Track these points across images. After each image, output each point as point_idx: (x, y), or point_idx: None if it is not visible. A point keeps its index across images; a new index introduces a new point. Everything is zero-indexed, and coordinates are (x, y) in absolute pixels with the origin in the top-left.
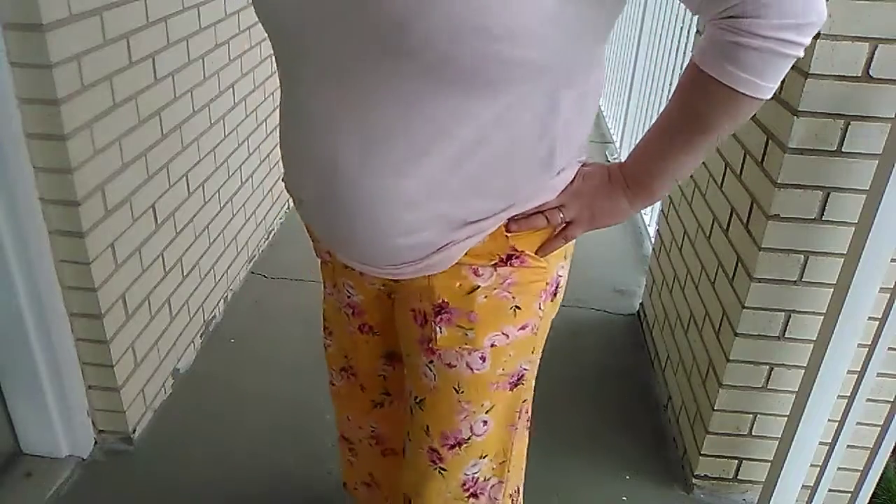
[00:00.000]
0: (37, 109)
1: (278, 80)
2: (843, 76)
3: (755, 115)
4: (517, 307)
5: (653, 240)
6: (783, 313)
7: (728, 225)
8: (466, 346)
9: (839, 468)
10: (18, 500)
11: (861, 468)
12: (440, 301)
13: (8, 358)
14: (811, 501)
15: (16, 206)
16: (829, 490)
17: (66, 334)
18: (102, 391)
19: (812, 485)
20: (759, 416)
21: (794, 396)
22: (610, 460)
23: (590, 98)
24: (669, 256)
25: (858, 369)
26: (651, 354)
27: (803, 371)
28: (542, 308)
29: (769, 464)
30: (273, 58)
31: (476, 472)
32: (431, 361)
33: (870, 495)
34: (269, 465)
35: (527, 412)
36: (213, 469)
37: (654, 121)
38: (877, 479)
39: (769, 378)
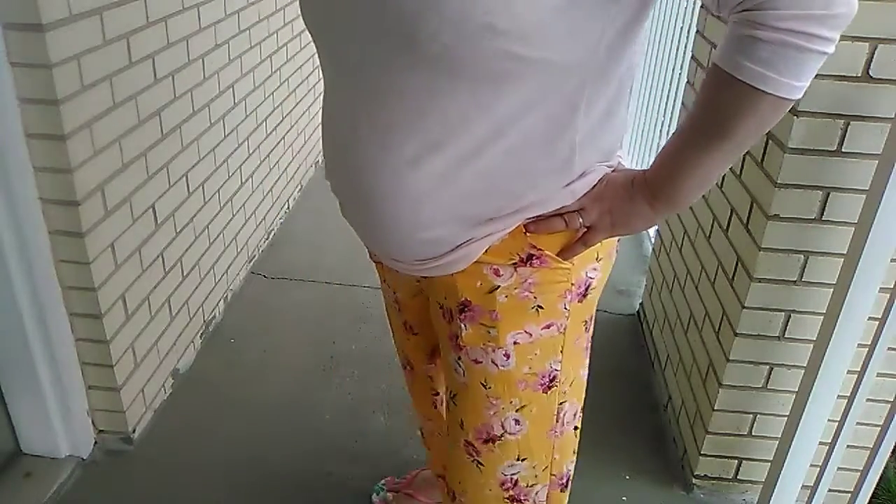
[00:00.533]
0: (37, 109)
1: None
2: (843, 76)
3: None
4: (539, 307)
5: (653, 240)
6: (783, 313)
7: (728, 225)
8: (490, 344)
9: (839, 468)
10: (18, 500)
11: (861, 468)
12: (463, 299)
13: (8, 358)
14: (811, 501)
15: (16, 206)
16: (829, 490)
17: (66, 334)
18: (102, 391)
19: (812, 485)
20: (758, 416)
21: (794, 396)
22: (609, 460)
23: (617, 103)
24: (669, 256)
25: (858, 369)
26: (651, 354)
27: (803, 371)
28: (568, 308)
29: (769, 464)
30: (272, 58)
31: (515, 475)
32: (460, 357)
33: (870, 495)
34: (269, 465)
35: (576, 415)
36: (213, 469)
37: (656, 123)
38: (877, 479)
39: (769, 378)
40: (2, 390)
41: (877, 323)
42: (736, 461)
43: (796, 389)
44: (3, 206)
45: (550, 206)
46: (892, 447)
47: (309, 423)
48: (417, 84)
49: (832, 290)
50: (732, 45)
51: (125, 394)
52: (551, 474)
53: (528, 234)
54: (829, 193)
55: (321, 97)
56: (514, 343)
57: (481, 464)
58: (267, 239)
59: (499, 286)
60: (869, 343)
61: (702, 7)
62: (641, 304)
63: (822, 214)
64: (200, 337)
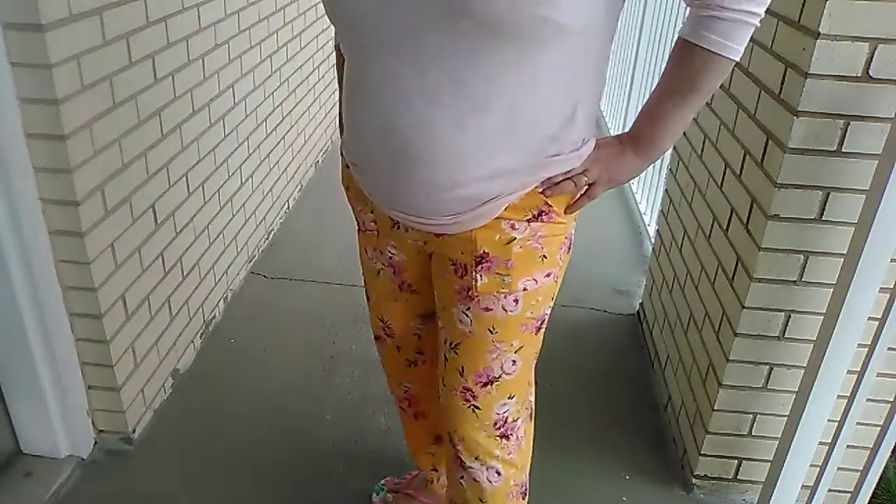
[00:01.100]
0: (37, 109)
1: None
2: (843, 76)
3: (755, 114)
4: (544, 256)
5: (653, 240)
6: (783, 313)
7: (728, 225)
8: (503, 290)
9: (839, 468)
10: (18, 500)
11: (861, 468)
12: (481, 252)
13: (8, 358)
14: (811, 501)
15: (16, 206)
16: (829, 490)
17: (66, 334)
18: (102, 391)
19: (812, 485)
20: (758, 416)
21: (793, 396)
22: (610, 460)
23: (602, 69)
24: (669, 256)
25: (858, 369)
26: (651, 354)
27: (803, 371)
28: (562, 259)
29: (769, 464)
30: (272, 58)
31: (505, 412)
32: (468, 308)
33: (870, 495)
34: (269, 465)
35: (537, 354)
36: (213, 469)
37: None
38: (877, 479)
39: (769, 378)
40: (2, 390)
41: (877, 323)
42: (736, 461)
43: (796, 389)
44: (3, 206)
45: (563, 167)
46: (892, 447)
47: (309, 423)
48: (464, 50)
49: (832, 290)
50: (697, 23)
51: (125, 394)
52: (526, 407)
53: (543, 193)
54: (829, 193)
55: (321, 97)
56: (524, 289)
57: (478, 407)
58: (267, 239)
59: (515, 238)
60: (869, 343)
61: None
62: (641, 304)
63: (822, 214)
64: (200, 337)
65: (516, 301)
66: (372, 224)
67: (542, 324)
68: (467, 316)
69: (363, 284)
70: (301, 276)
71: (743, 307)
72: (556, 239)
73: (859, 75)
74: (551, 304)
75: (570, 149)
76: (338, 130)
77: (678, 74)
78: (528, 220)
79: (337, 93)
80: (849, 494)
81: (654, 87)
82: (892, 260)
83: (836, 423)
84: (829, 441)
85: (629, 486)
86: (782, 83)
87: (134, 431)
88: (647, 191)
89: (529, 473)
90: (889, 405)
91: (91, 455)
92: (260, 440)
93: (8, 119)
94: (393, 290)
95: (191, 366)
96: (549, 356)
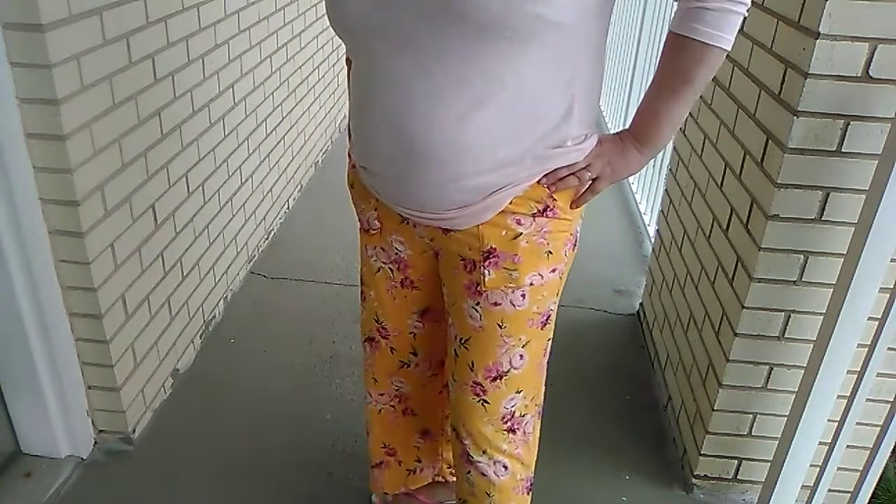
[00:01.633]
0: (37, 109)
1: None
2: (843, 76)
3: (755, 114)
4: (550, 252)
5: (653, 240)
6: (783, 313)
7: (728, 225)
8: (510, 285)
9: (839, 468)
10: (18, 500)
11: (861, 468)
12: (489, 247)
13: (8, 358)
14: (811, 501)
15: (16, 206)
16: (829, 490)
17: (66, 334)
18: (102, 391)
19: (812, 485)
20: (758, 416)
21: (793, 396)
22: (609, 460)
23: (598, 64)
24: (669, 256)
25: (858, 369)
26: (651, 354)
27: (803, 371)
28: (567, 255)
29: (769, 464)
30: (272, 58)
31: (513, 407)
32: (478, 303)
33: (869, 495)
34: (269, 465)
35: (548, 352)
36: (213, 469)
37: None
38: (876, 479)
39: (769, 378)
40: (2, 390)
41: (877, 323)
42: (736, 461)
43: (796, 389)
44: (3, 206)
45: (566, 160)
46: (891, 447)
47: (309, 423)
48: (464, 49)
49: (832, 290)
50: (686, 16)
51: (125, 394)
52: (536, 404)
53: (547, 188)
54: (828, 193)
55: (321, 97)
56: (530, 284)
57: (487, 402)
58: (267, 239)
59: (521, 233)
60: (869, 343)
61: None
62: (641, 304)
63: (821, 214)
64: (200, 337)
65: (523, 296)
66: (375, 223)
67: (547, 319)
68: (477, 311)
69: (360, 284)
70: (301, 276)
71: (743, 307)
72: (562, 235)
73: (859, 75)
74: (556, 300)
75: (571, 142)
76: (338, 130)
77: (671, 68)
78: (534, 216)
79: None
80: (849, 494)
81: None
82: (892, 260)
83: (836, 423)
84: (829, 441)
85: (629, 486)
86: (782, 83)
87: (134, 431)
88: (647, 191)
89: None
90: (889, 405)
91: (91, 455)
92: (260, 440)
93: (8, 119)
94: (392, 287)
95: (191, 366)
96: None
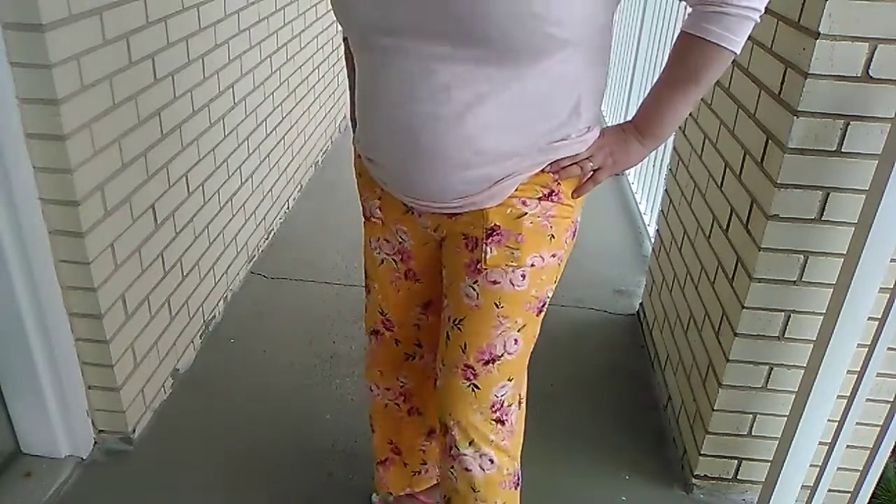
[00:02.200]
0: (37, 109)
1: (353, 57)
2: (843, 76)
3: (755, 114)
4: (552, 235)
5: (653, 240)
6: (783, 313)
7: (728, 225)
8: (512, 264)
9: (839, 468)
10: (18, 500)
11: (861, 468)
12: (492, 225)
13: (8, 358)
14: (811, 501)
15: (16, 206)
16: (829, 490)
17: (66, 334)
18: (102, 391)
19: (812, 485)
20: (758, 416)
21: (793, 396)
22: (609, 460)
23: (603, 67)
24: (669, 256)
25: (858, 369)
26: (651, 354)
27: (803, 371)
28: (567, 243)
29: (769, 464)
30: (272, 58)
31: (503, 395)
32: (476, 281)
33: (869, 495)
34: (269, 465)
35: (534, 343)
36: (213, 469)
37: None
38: (876, 479)
39: (769, 378)
40: (2, 390)
41: (877, 323)
42: (736, 461)
43: (796, 389)
44: (3, 206)
45: (570, 151)
46: (891, 447)
47: (309, 423)
48: (470, 57)
49: (832, 290)
50: (702, 18)
51: (125, 394)
52: (521, 394)
53: (551, 174)
54: (828, 193)
55: (321, 97)
56: (531, 265)
57: (477, 387)
58: (267, 239)
59: (526, 213)
60: (869, 343)
61: None
62: (641, 304)
63: (821, 214)
64: (200, 337)
65: (523, 276)
66: (378, 212)
67: (543, 306)
68: (474, 289)
69: (364, 278)
70: (301, 276)
71: (743, 307)
72: (565, 221)
73: (859, 75)
74: (553, 287)
75: (575, 134)
76: (338, 130)
77: (681, 66)
78: (539, 199)
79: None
80: (849, 494)
81: (655, 80)
82: (892, 260)
83: (836, 423)
84: (829, 441)
85: (629, 486)
86: (782, 83)
87: (134, 431)
88: (647, 191)
89: (529, 472)
90: (889, 405)
91: (91, 455)
92: (260, 440)
93: (8, 119)
94: (396, 279)
95: (191, 366)
96: (549, 356)
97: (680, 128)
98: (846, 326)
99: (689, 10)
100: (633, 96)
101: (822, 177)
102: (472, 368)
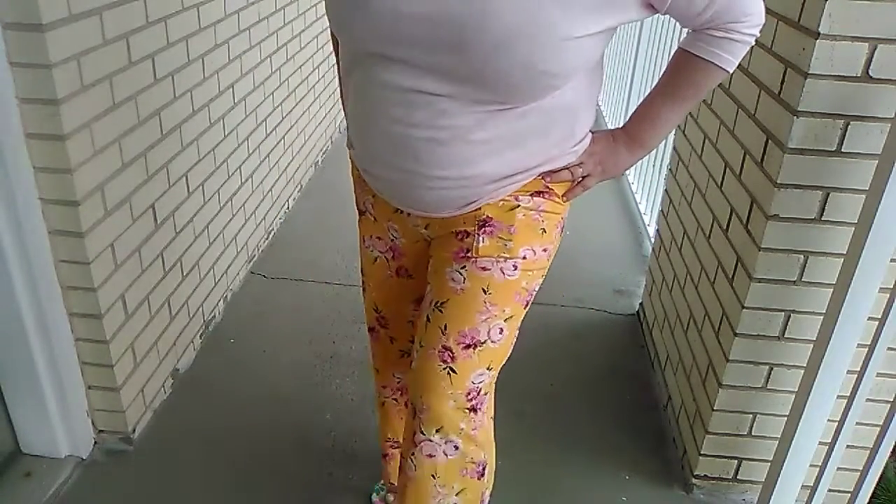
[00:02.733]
0: (37, 109)
1: (340, 68)
2: (843, 76)
3: (755, 114)
4: (544, 230)
5: (653, 240)
6: (783, 313)
7: (728, 225)
8: (504, 255)
9: (839, 468)
10: (18, 500)
11: (861, 468)
12: (485, 216)
13: (8, 358)
14: (811, 501)
15: (16, 206)
16: (829, 490)
17: (66, 334)
18: (102, 391)
19: (812, 485)
20: (758, 416)
21: (793, 396)
22: (609, 460)
23: (595, 92)
24: (669, 256)
25: (858, 369)
26: (651, 354)
27: (803, 371)
28: (556, 238)
29: (769, 464)
30: (272, 58)
31: (480, 383)
32: (464, 267)
33: (869, 495)
34: (269, 465)
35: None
36: (213, 469)
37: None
38: (876, 479)
39: (769, 378)
40: (2, 390)
41: (877, 323)
42: (736, 461)
43: (796, 389)
44: (3, 206)
45: (562, 162)
46: (891, 447)
47: (309, 422)
48: (473, 94)
49: (832, 290)
50: (706, 41)
51: (125, 394)
52: (493, 384)
53: (543, 179)
54: (828, 193)
55: (321, 97)
56: (524, 257)
57: (454, 370)
58: (267, 239)
59: (519, 205)
60: (869, 343)
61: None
62: (641, 304)
63: (821, 214)
64: (200, 337)
65: (515, 267)
66: (371, 208)
67: (530, 298)
68: (461, 274)
69: (360, 276)
70: (301, 276)
71: (743, 307)
72: (555, 217)
73: (859, 75)
74: (541, 281)
75: (569, 149)
76: (338, 130)
77: (679, 83)
78: (531, 195)
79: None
80: (849, 494)
81: (650, 90)
82: (892, 260)
83: (836, 423)
84: (829, 441)
85: (629, 486)
86: (782, 83)
87: (134, 431)
88: (647, 191)
89: (529, 472)
90: (889, 405)
91: (91, 455)
92: (260, 440)
93: (8, 119)
94: (389, 277)
95: (191, 366)
96: (549, 356)
97: (680, 128)
98: (846, 326)
99: (691, 29)
100: (633, 96)
101: (822, 177)
102: (451, 351)
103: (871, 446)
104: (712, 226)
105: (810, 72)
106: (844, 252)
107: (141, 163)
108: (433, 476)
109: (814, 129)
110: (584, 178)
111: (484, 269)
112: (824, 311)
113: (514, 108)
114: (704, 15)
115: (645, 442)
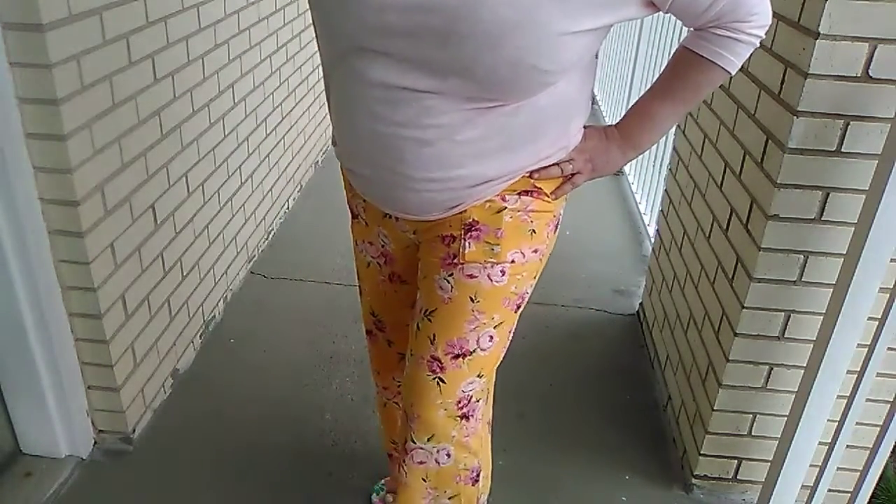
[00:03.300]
0: (37, 109)
1: (323, 71)
2: (843, 76)
3: (755, 114)
4: (533, 230)
5: (653, 240)
6: (783, 313)
7: (728, 225)
8: (491, 260)
9: (839, 468)
10: (18, 500)
11: (861, 468)
12: (471, 220)
13: (8, 358)
14: (811, 501)
15: (16, 206)
16: (829, 490)
17: (66, 334)
18: (102, 391)
19: (812, 485)
20: (758, 416)
21: (793, 396)
22: (609, 460)
23: (589, 88)
24: (669, 256)
25: (858, 369)
26: (651, 354)
27: (803, 371)
28: (549, 237)
29: (769, 464)
30: (272, 58)
31: (471, 391)
32: (451, 274)
33: (869, 495)
34: (269, 465)
35: (511, 338)
36: (213, 469)
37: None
38: (876, 479)
39: (769, 378)
40: (2, 390)
41: (877, 323)
42: (736, 461)
43: (796, 389)
44: (3, 206)
45: (552, 160)
46: (891, 447)
47: (309, 423)
48: (462, 90)
49: (832, 290)
50: (711, 41)
51: (125, 394)
52: (488, 390)
53: (531, 178)
54: (828, 193)
55: (321, 97)
56: (512, 261)
57: (443, 381)
58: (267, 239)
59: (506, 207)
60: (869, 343)
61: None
62: (641, 304)
63: (821, 214)
64: (200, 337)
65: (503, 272)
66: (362, 212)
67: (522, 302)
68: (448, 282)
69: (356, 279)
70: (301, 276)
71: (743, 307)
72: (546, 215)
73: (859, 75)
74: (534, 283)
75: (561, 147)
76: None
77: (679, 83)
78: (519, 194)
79: None
80: (849, 494)
81: (648, 88)
82: (892, 260)
83: (836, 423)
84: (829, 441)
85: (629, 486)
86: (782, 83)
87: (134, 431)
88: (647, 191)
89: (529, 472)
90: (889, 405)
91: (91, 455)
92: (260, 440)
93: (8, 119)
94: (382, 282)
95: (190, 366)
96: (549, 356)
97: (680, 128)
98: (846, 326)
99: (693, 28)
100: (633, 94)
101: (822, 177)
102: (439, 361)
103: (871, 446)
104: (712, 226)
105: (810, 72)
106: (844, 252)
107: (141, 163)
108: (423, 479)
109: (814, 129)
110: (573, 175)
111: (471, 276)
112: (824, 311)
113: (505, 105)
114: (708, 13)
115: (645, 442)
